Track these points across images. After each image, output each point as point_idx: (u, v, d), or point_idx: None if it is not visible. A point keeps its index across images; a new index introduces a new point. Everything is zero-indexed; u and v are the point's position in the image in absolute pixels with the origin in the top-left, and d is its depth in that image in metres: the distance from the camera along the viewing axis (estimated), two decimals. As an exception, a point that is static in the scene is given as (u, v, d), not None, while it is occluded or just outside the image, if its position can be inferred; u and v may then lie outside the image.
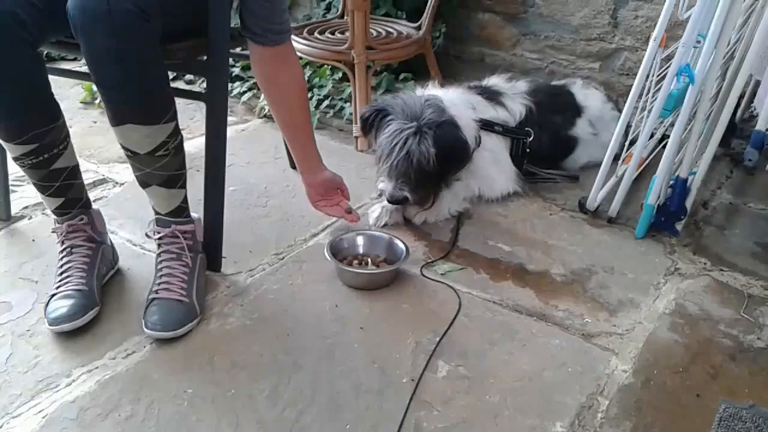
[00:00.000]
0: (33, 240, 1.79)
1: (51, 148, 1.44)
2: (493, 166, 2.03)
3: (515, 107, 2.08)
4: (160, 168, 1.43)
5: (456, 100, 1.97)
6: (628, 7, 2.65)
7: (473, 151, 1.91)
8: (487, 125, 2.00)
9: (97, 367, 1.35)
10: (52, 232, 1.56)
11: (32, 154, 1.42)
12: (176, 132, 1.43)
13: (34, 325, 1.46)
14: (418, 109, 1.82)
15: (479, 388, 1.33)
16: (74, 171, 1.53)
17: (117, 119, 1.35)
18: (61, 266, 1.51)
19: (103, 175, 2.16)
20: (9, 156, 1.51)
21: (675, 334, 1.50)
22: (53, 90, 1.43)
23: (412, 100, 1.87)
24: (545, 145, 2.10)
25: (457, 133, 1.83)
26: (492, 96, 2.09)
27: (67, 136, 1.49)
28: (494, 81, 2.18)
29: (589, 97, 2.29)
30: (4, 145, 1.43)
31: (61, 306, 1.43)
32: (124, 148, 1.41)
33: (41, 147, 1.42)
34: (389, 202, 1.87)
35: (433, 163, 1.77)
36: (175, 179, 1.47)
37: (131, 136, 1.37)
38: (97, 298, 1.48)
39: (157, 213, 1.53)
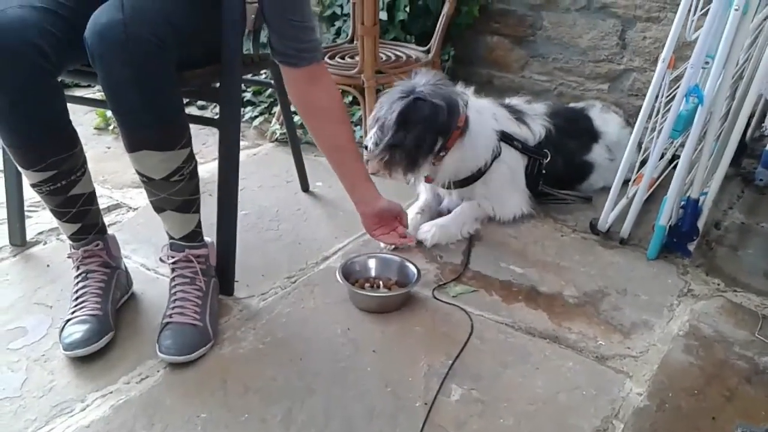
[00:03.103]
0: (48, 265, 1.80)
1: (69, 174, 1.46)
2: (508, 183, 2.04)
3: (536, 128, 2.10)
4: (174, 193, 1.44)
5: (481, 107, 2.01)
6: (635, 28, 2.67)
7: (493, 161, 1.97)
8: (507, 138, 2.03)
9: (111, 392, 1.36)
10: (68, 257, 1.58)
11: (50, 181, 1.44)
12: (191, 158, 1.44)
13: (48, 350, 1.47)
14: (426, 82, 1.88)
15: (493, 412, 1.32)
16: (91, 197, 1.55)
17: (133, 145, 1.37)
18: (77, 291, 1.52)
19: (117, 200, 2.18)
20: (25, 182, 1.53)
21: (689, 356, 1.49)
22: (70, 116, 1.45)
23: (436, 80, 1.92)
24: (560, 168, 2.11)
25: (435, 107, 1.85)
26: (516, 113, 2.12)
27: (85, 162, 1.51)
28: (515, 101, 2.21)
29: (608, 122, 2.28)
30: (23, 172, 1.45)
31: (77, 331, 1.44)
32: (139, 173, 1.42)
33: (59, 174, 1.44)
34: (363, 146, 1.92)
35: (392, 123, 1.83)
36: (190, 204, 1.49)
37: (147, 162, 1.39)
38: (111, 324, 1.49)
39: (171, 237, 1.54)
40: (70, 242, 1.57)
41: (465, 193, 2.05)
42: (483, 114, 1.99)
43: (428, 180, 2.03)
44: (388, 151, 1.86)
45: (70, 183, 1.47)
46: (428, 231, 1.93)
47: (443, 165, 1.94)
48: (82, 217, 1.53)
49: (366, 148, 1.90)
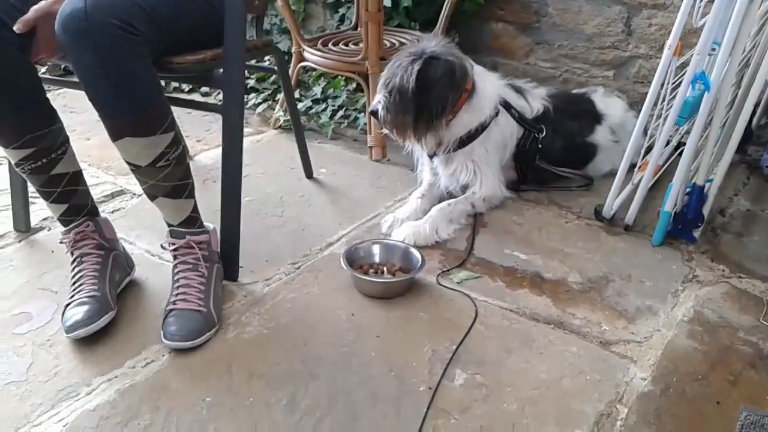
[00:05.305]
0: (52, 251, 1.81)
1: (49, 152, 1.47)
2: (496, 151, 2.05)
3: (534, 104, 2.12)
4: (163, 179, 1.44)
5: (484, 72, 2.05)
6: (641, 15, 2.65)
7: (490, 121, 1.99)
8: (505, 104, 2.05)
9: (116, 376, 1.36)
10: (60, 243, 1.58)
11: (31, 158, 1.45)
12: (175, 142, 1.43)
13: (54, 335, 1.48)
14: (435, 44, 1.90)
15: (497, 397, 1.32)
16: (76, 177, 1.55)
17: (114, 134, 1.38)
18: (74, 276, 1.53)
19: (121, 187, 2.18)
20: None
21: (694, 342, 1.49)
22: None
23: (443, 43, 1.94)
24: (559, 148, 2.13)
25: (451, 63, 1.88)
26: (516, 88, 2.15)
27: (66, 141, 1.51)
28: (517, 82, 2.23)
29: (610, 105, 2.29)
30: (5, 151, 1.45)
31: (76, 313, 1.44)
32: (127, 162, 1.43)
33: (38, 151, 1.45)
34: (371, 112, 1.95)
35: (411, 85, 1.83)
36: (181, 189, 1.49)
37: (130, 150, 1.40)
38: (111, 303, 1.49)
39: (169, 225, 1.54)
40: (62, 225, 1.57)
41: (464, 156, 2.04)
42: (486, 78, 2.03)
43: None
44: (403, 115, 1.87)
45: (51, 161, 1.47)
46: (403, 232, 1.86)
47: (450, 130, 1.96)
48: (68, 197, 1.53)
49: (374, 114, 1.92)
